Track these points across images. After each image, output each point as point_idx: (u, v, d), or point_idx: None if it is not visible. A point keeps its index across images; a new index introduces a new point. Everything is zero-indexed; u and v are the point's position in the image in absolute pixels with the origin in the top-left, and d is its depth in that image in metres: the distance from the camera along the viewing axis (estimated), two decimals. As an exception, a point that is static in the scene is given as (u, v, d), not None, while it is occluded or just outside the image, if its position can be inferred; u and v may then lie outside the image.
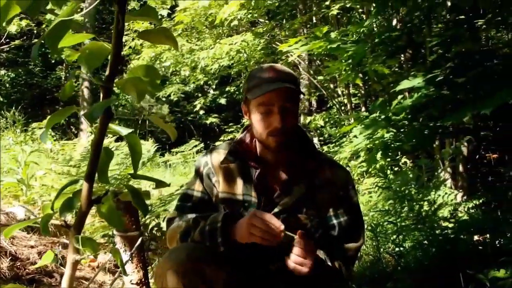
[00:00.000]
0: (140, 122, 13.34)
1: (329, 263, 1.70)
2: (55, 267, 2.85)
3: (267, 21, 8.76)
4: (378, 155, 4.08)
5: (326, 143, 9.13)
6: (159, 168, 9.48)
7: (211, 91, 14.28)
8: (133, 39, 9.02)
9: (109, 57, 0.85)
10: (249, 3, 7.23)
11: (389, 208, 3.72)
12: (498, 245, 2.85)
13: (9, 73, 13.88)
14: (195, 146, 11.48)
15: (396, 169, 5.52)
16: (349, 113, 7.58)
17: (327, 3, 7.13)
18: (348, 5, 6.75)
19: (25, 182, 4.27)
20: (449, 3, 4.50)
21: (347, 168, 3.34)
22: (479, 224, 3.22)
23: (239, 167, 1.81)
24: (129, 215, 2.54)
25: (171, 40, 0.91)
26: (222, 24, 7.93)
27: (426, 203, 3.38)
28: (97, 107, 0.82)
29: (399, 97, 4.41)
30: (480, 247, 2.96)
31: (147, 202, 0.99)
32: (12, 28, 10.78)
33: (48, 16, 10.57)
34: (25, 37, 13.46)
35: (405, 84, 3.60)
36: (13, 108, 8.49)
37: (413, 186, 3.65)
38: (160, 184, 1.05)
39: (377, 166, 4.47)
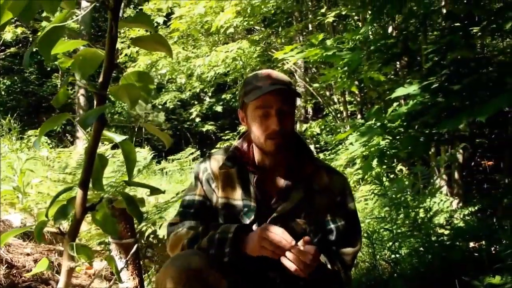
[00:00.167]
0: (136, 129, 13.34)
1: (329, 267, 1.70)
2: (51, 275, 2.84)
3: (263, 29, 8.78)
4: (374, 162, 4.08)
5: (322, 150, 9.13)
6: (156, 176, 9.49)
7: (207, 99, 14.31)
8: (129, 47, 9.01)
9: (103, 64, 0.85)
10: (245, 10, 7.25)
11: (385, 215, 3.72)
12: (493, 252, 2.86)
13: (5, 81, 13.84)
14: (192, 153, 11.51)
15: (392, 176, 5.52)
16: (345, 121, 7.59)
17: (323, 10, 7.17)
18: (343, 13, 6.80)
19: (21, 189, 4.24)
20: (444, 11, 4.53)
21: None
22: (475, 231, 3.23)
23: (237, 173, 1.81)
24: (124, 222, 2.53)
25: (165, 47, 0.91)
26: (218, 32, 7.94)
27: (421, 210, 3.38)
28: (91, 114, 0.82)
29: (395, 104, 4.42)
30: (475, 254, 2.96)
31: (143, 209, 0.98)
32: (8, 36, 10.78)
33: (44, 23, 10.59)
34: (20, 45, 13.47)
35: (400, 91, 3.60)
36: (9, 115, 8.45)
37: (408, 193, 3.64)
38: (154, 191, 1.04)
39: (373, 173, 4.46)
